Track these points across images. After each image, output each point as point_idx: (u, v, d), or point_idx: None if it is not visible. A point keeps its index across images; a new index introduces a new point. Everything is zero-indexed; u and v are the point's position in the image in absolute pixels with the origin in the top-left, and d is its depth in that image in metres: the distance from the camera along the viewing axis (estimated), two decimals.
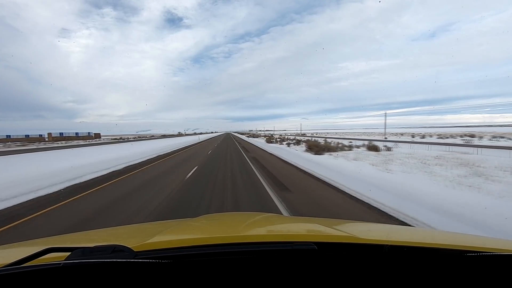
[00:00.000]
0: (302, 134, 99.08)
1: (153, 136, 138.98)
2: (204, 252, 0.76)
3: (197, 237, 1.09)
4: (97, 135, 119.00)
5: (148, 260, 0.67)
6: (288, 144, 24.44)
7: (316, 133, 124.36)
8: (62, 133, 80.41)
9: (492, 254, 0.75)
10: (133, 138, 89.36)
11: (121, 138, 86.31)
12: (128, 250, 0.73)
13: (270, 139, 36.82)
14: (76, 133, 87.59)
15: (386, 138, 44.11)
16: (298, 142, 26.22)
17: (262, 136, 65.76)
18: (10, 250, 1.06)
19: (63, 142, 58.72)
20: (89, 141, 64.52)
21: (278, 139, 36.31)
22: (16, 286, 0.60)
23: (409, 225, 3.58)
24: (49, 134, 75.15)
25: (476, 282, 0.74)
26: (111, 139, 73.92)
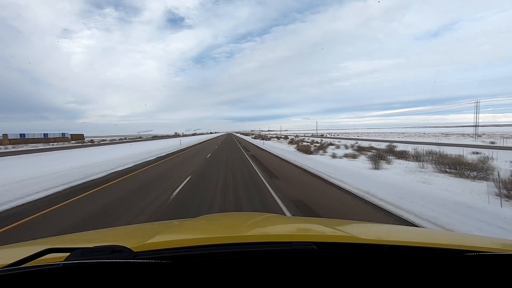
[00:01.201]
0: (320, 135, 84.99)
1: (141, 137, 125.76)
2: (204, 252, 0.77)
3: (197, 237, 1.11)
4: (79, 136, 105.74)
5: (147, 261, 0.68)
6: (375, 162, 10.35)
7: (337, 133, 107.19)
8: (24, 134, 67.35)
9: (492, 254, 0.77)
10: (109, 140, 75.80)
11: (91, 140, 72.04)
12: (128, 250, 0.73)
13: (298, 143, 23.36)
14: (45, 134, 74.37)
15: (493, 143, 28.32)
16: (382, 157, 12.55)
17: (272, 137, 51.76)
18: (9, 250, 1.07)
19: (8, 146, 45.81)
20: (52, 145, 51.69)
21: (311, 144, 22.83)
22: (15, 286, 0.60)
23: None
24: (5, 135, 62.27)
25: (475, 281, 0.74)
26: (74, 143, 60.16)
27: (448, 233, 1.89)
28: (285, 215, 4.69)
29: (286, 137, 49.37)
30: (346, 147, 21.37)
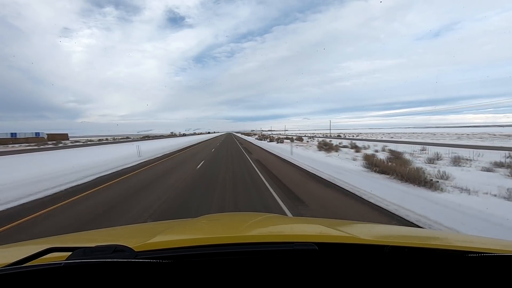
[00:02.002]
0: (337, 135, 74.83)
1: (128, 137, 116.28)
2: (205, 252, 0.79)
3: (198, 237, 1.12)
4: (62, 136, 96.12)
5: (149, 260, 0.69)
6: None
7: (356, 134, 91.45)
8: None
9: (494, 255, 0.77)
10: (83, 142, 66.10)
11: (55, 143, 60.96)
12: (129, 250, 0.75)
13: (337, 149, 13.43)
14: (12, 134, 64.77)
15: None
16: None
17: (281, 138, 41.79)
18: (11, 249, 1.08)
19: None
20: (13, 147, 42.30)
21: (357, 150, 13.19)
22: (17, 286, 0.61)
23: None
24: None
25: (477, 282, 0.75)
26: (37, 146, 50.25)
27: (450, 234, 1.93)
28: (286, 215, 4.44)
29: (300, 139, 39.62)
30: (452, 161, 11.55)
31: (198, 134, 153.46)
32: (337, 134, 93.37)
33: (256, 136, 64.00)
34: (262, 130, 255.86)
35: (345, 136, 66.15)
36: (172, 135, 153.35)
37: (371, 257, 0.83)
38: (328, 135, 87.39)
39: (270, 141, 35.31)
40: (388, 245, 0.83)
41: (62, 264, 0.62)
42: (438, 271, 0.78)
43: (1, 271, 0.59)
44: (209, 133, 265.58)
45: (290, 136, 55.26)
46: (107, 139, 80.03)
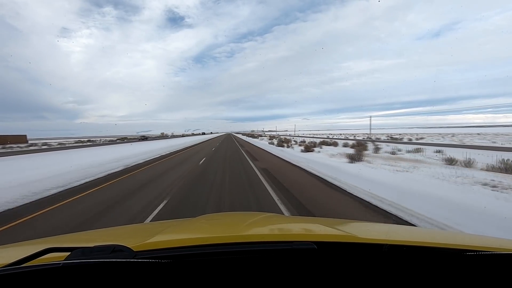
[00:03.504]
0: (387, 138, 51.80)
1: (91, 141, 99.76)
2: (204, 252, 0.79)
3: (197, 237, 1.12)
4: (19, 139, 79.79)
5: (147, 260, 0.70)
6: None
7: (421, 137, 56.41)
8: None
9: (492, 253, 0.78)
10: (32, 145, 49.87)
11: None
12: (128, 250, 0.75)
13: None
14: None
15: None
16: None
17: (299, 141, 25.96)
18: (9, 250, 1.09)
19: None
20: None
21: None
22: (16, 286, 0.61)
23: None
24: None
25: (475, 281, 0.76)
26: None
27: (448, 233, 1.96)
28: (284, 214, 4.63)
29: (363, 146, 23.98)
30: None
31: (185, 136, 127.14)
32: (388, 136, 60.37)
33: (266, 138, 47.88)
34: (264, 131, 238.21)
35: (411, 140, 38.32)
36: (164, 136, 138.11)
37: (370, 256, 0.85)
38: (369, 136, 61.94)
39: (306, 151, 19.88)
40: (386, 244, 0.84)
41: (60, 265, 0.63)
42: (437, 270, 0.78)
43: (0, 272, 0.59)
44: (204, 134, 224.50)
45: (324, 139, 37.88)
46: (83, 142, 63.83)
